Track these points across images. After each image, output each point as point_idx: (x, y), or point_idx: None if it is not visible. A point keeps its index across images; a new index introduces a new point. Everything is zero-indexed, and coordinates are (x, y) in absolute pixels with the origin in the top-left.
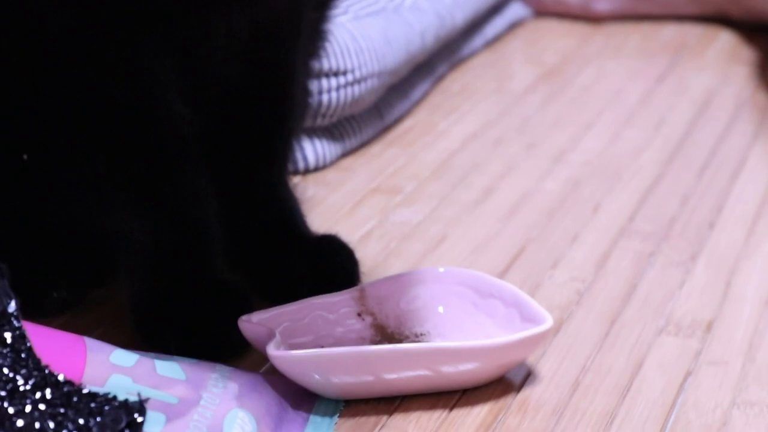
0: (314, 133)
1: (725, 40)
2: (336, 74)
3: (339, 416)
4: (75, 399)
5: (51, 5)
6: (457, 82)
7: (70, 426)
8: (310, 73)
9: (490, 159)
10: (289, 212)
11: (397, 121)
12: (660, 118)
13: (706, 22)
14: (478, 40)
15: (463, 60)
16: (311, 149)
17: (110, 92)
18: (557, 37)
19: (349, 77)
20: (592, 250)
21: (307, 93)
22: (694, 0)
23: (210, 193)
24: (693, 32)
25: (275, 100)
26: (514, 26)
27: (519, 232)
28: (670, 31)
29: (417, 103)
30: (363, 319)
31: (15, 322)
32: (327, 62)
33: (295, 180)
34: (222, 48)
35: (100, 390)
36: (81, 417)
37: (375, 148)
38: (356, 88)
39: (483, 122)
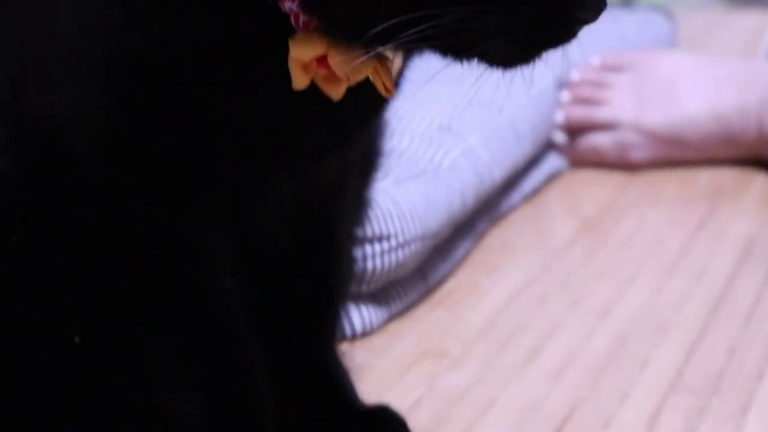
0: (360, 298)
1: (762, 183)
2: (380, 240)
3: None
4: None
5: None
6: (497, 238)
7: None
8: (354, 241)
9: (535, 318)
10: (339, 383)
11: (441, 281)
12: (701, 267)
13: (742, 166)
14: (517, 194)
15: (502, 215)
16: (357, 315)
17: (163, 269)
18: (594, 187)
19: (393, 242)
20: (642, 408)
21: (352, 261)
22: (728, 144)
23: (261, 363)
24: (729, 176)
25: (321, 270)
26: (551, 178)
27: (568, 393)
28: (707, 176)
29: (459, 261)
30: None
31: None
32: (370, 228)
33: (343, 347)
34: (269, 219)
35: None
36: None
37: (420, 311)
38: (400, 253)
39: (526, 279)
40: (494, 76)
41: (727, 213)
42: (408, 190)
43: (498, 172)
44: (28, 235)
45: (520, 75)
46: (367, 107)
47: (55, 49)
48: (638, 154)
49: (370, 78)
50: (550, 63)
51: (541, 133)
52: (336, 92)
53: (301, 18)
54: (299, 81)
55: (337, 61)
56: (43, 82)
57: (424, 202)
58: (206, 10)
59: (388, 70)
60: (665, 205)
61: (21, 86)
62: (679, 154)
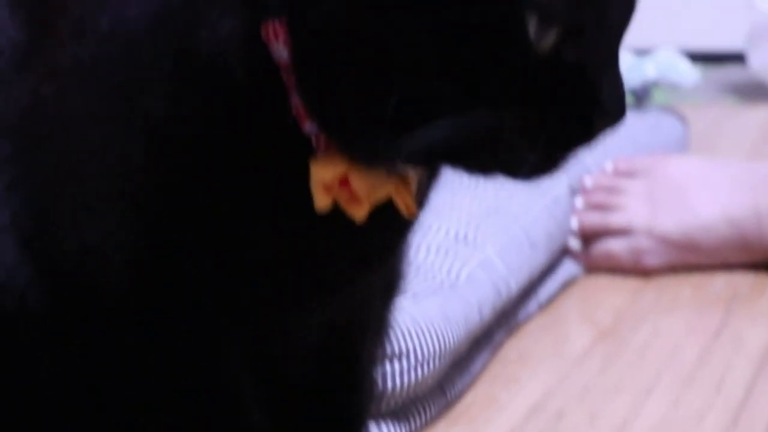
0: (380, 416)
1: None
2: (399, 358)
3: None
4: None
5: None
6: (514, 349)
7: None
8: (375, 363)
9: None
10: None
11: (460, 395)
12: (719, 377)
13: (757, 270)
14: (533, 303)
15: (518, 325)
16: None
17: (188, 402)
18: (609, 293)
19: (411, 360)
20: None
21: (373, 384)
22: (742, 249)
23: None
24: (744, 281)
25: (344, 397)
26: (566, 285)
27: None
28: (722, 281)
29: (477, 374)
30: None
31: None
32: (389, 346)
33: None
34: (294, 349)
35: None
36: None
37: (440, 426)
38: (419, 370)
39: (543, 391)
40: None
41: (743, 319)
42: (426, 306)
43: (515, 283)
44: (54, 365)
45: (535, 183)
46: (392, 230)
47: (80, 183)
48: (652, 260)
49: (393, 198)
50: (564, 169)
51: (556, 240)
52: (359, 213)
53: (322, 139)
54: (321, 202)
55: (357, 182)
56: (68, 215)
57: (442, 318)
58: (228, 139)
59: (410, 190)
60: (680, 312)
61: (46, 219)
62: (693, 258)
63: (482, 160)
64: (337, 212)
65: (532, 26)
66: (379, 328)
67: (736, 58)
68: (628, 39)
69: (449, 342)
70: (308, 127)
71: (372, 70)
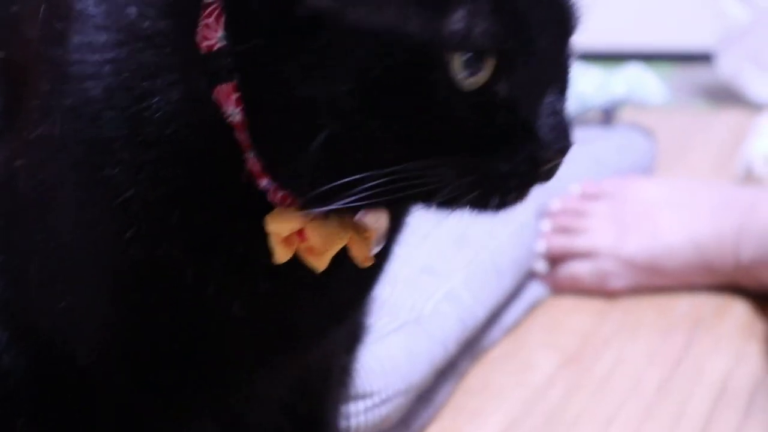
0: None
1: (739, 311)
2: (363, 397)
3: None
4: None
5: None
6: (478, 378)
7: None
8: (338, 409)
9: None
10: None
11: (424, 427)
12: (679, 409)
13: (720, 292)
14: (498, 329)
15: (483, 352)
16: None
17: None
18: (575, 316)
19: (376, 399)
20: None
21: (337, 428)
22: (706, 272)
23: None
24: (707, 304)
25: None
26: (532, 307)
27: None
28: (685, 305)
29: (441, 405)
30: None
31: None
32: (354, 386)
33: None
34: (259, 403)
35: None
36: None
37: None
38: (383, 408)
39: (507, 423)
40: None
41: (704, 346)
42: (390, 344)
43: (481, 312)
44: (30, 423)
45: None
46: (357, 284)
47: (52, 253)
48: (617, 282)
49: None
50: (530, 195)
51: (522, 265)
52: (319, 263)
53: (278, 194)
54: (280, 255)
55: (312, 234)
56: (42, 283)
57: (406, 355)
58: (188, 201)
59: (366, 239)
60: (644, 337)
61: (22, 286)
62: (657, 281)
63: (425, 200)
64: (302, 269)
65: (456, 65)
66: (342, 376)
67: (704, 58)
68: (596, 39)
69: (413, 379)
70: (264, 183)
71: (309, 125)
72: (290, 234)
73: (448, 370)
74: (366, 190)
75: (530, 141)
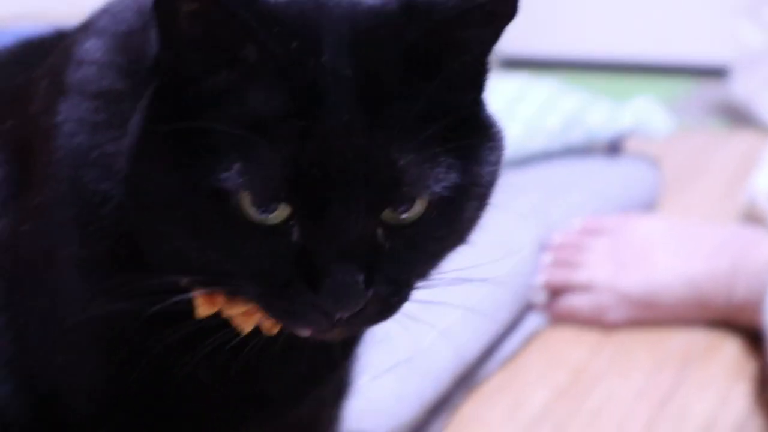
0: None
1: (730, 348)
2: None
3: None
4: None
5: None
6: (471, 412)
7: None
8: None
9: None
10: None
11: None
12: None
13: (713, 328)
14: (494, 362)
15: (478, 384)
16: None
17: None
18: (570, 348)
19: None
20: None
21: None
22: (700, 308)
23: None
24: (700, 340)
25: None
26: (529, 338)
27: None
28: (678, 340)
29: None
30: None
31: None
32: (344, 426)
33: None
34: None
35: None
36: None
37: None
38: None
39: None
40: (477, 248)
41: (693, 385)
42: (382, 385)
43: (476, 348)
44: None
45: (501, 245)
46: (328, 349)
47: (47, 315)
48: (613, 316)
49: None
50: (531, 228)
51: (521, 298)
52: (244, 326)
53: None
54: (201, 310)
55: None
56: (40, 340)
57: (397, 396)
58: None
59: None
60: (636, 372)
61: (23, 343)
62: (652, 315)
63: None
64: (265, 338)
65: (246, 204)
66: (330, 428)
67: (719, 73)
68: (612, 48)
69: (404, 419)
70: None
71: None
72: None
73: (441, 405)
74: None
75: (313, 292)
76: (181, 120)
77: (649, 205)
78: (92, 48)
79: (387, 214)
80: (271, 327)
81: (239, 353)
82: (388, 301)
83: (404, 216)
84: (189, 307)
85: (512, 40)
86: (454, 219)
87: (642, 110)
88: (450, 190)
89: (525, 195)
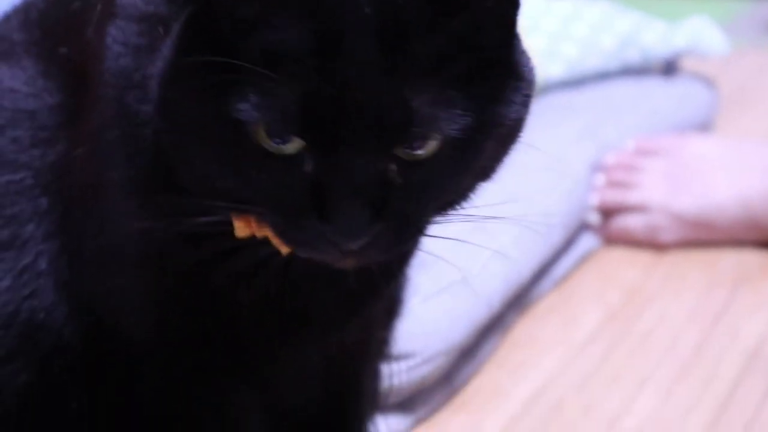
0: (386, 408)
1: None
2: (405, 357)
3: None
4: None
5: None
6: (524, 331)
7: None
8: (377, 383)
9: (549, 425)
10: None
11: (466, 382)
12: (711, 372)
13: (765, 249)
14: (547, 282)
15: (531, 304)
16: (384, 425)
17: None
18: (623, 268)
19: (417, 359)
20: None
21: (376, 398)
22: (753, 228)
23: None
24: (752, 261)
25: (346, 417)
26: (583, 258)
27: None
28: (731, 259)
29: (485, 359)
30: None
31: None
32: (395, 346)
33: None
34: (297, 379)
35: None
36: None
37: (443, 415)
38: (424, 368)
39: (545, 380)
40: (530, 168)
41: (744, 305)
42: (433, 306)
43: (527, 269)
44: (84, 400)
45: (555, 165)
46: (371, 275)
47: (100, 237)
48: (667, 236)
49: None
50: (585, 149)
51: (574, 220)
52: (283, 246)
53: None
54: (239, 230)
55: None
56: (94, 263)
57: (449, 317)
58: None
59: None
60: (687, 293)
61: (79, 265)
62: (706, 236)
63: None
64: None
65: (262, 136)
66: (380, 349)
67: None
68: None
69: (455, 339)
70: None
71: None
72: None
73: (494, 325)
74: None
75: (322, 223)
76: (207, 50)
77: (704, 126)
78: None
79: (400, 151)
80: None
81: (279, 274)
82: (399, 235)
83: (419, 152)
84: (229, 228)
85: None
86: (470, 159)
87: (697, 30)
88: (464, 132)
89: (579, 115)
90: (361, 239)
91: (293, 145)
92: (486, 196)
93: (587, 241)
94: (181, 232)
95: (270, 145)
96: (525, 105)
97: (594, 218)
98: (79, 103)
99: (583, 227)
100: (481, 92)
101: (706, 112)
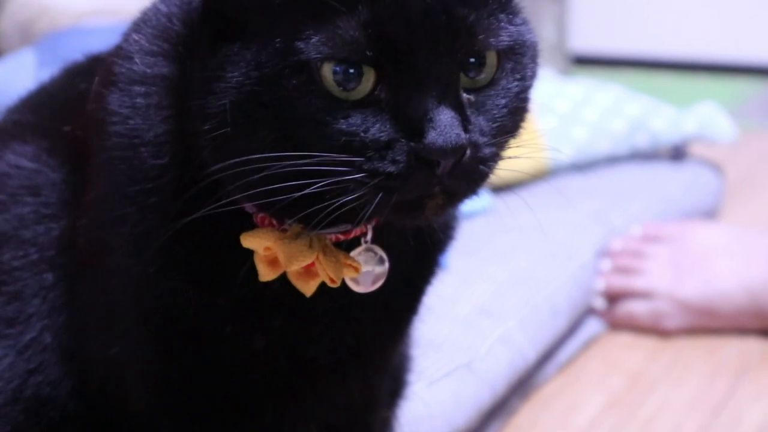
0: None
1: None
2: None
3: None
4: None
5: None
6: (527, 417)
7: None
8: None
9: None
10: None
11: None
12: None
13: None
14: (551, 367)
15: (536, 388)
16: None
17: None
18: (627, 354)
19: None
20: None
21: None
22: (757, 317)
23: None
24: (755, 350)
25: None
26: (588, 343)
27: None
28: (734, 349)
29: None
30: None
31: None
32: (400, 430)
33: None
34: None
35: None
36: None
37: None
38: None
39: None
40: (538, 253)
41: (747, 394)
42: (438, 390)
43: (533, 354)
44: None
45: (562, 250)
46: (380, 319)
47: (107, 303)
48: (671, 323)
49: (317, 268)
50: (592, 234)
51: (579, 305)
52: (305, 288)
53: (259, 215)
54: (263, 273)
55: (279, 250)
56: (97, 332)
57: (454, 402)
58: (187, 236)
59: (332, 261)
60: (691, 380)
61: (83, 336)
62: (710, 323)
63: (343, 203)
64: (318, 304)
65: (329, 79)
66: (383, 429)
67: None
68: (678, 47)
69: (459, 424)
70: (248, 206)
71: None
72: (272, 255)
73: (497, 410)
74: (285, 192)
75: (414, 140)
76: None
77: (711, 212)
78: (135, 40)
79: (463, 79)
80: (331, 279)
81: (292, 321)
82: (481, 160)
83: (480, 77)
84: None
85: (581, 38)
86: (519, 78)
87: (706, 116)
88: (513, 41)
89: (587, 200)
90: (459, 143)
91: (363, 86)
92: (495, 277)
93: (592, 326)
94: (196, 287)
95: (339, 91)
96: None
97: (599, 303)
98: (79, 179)
99: (588, 312)
100: (513, 18)
101: (713, 198)
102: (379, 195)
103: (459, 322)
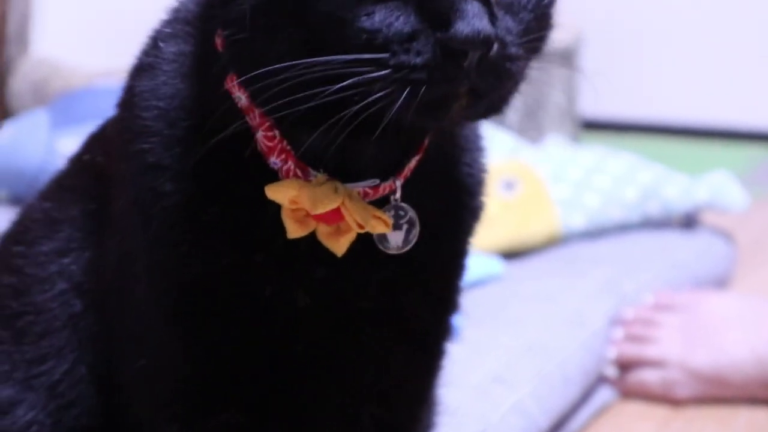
0: None
1: None
2: None
3: None
4: None
5: None
6: None
7: None
8: None
9: None
10: None
11: None
12: None
13: None
14: None
15: None
16: None
17: None
18: (639, 422)
19: None
20: None
21: None
22: (766, 386)
23: None
24: (765, 420)
25: None
26: (600, 411)
27: None
28: (745, 418)
29: None
30: None
31: None
32: None
33: None
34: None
35: None
36: None
37: None
38: None
39: None
40: (550, 321)
41: None
42: None
43: (545, 422)
44: None
45: (574, 318)
46: (423, 279)
47: (134, 315)
48: (683, 392)
49: (343, 213)
50: (605, 302)
51: (591, 373)
52: (336, 246)
53: (284, 166)
54: (292, 230)
55: (304, 198)
56: (126, 344)
57: None
58: (219, 201)
59: (359, 207)
60: None
61: (110, 352)
62: (721, 393)
63: (365, 106)
64: (357, 257)
65: None
66: None
67: None
68: (689, 114)
69: None
70: (272, 161)
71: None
72: (301, 212)
73: None
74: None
75: (440, 31)
76: None
77: (722, 280)
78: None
79: None
80: (360, 224)
81: (333, 273)
82: (510, 54)
83: None
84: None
85: (592, 104)
86: None
87: (718, 185)
88: None
89: (600, 268)
90: (485, 30)
91: None
92: (508, 344)
93: (604, 394)
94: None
95: None
96: None
97: (611, 371)
98: (106, 208)
99: (600, 380)
100: None
101: (724, 266)
102: (406, 90)
103: (472, 389)
